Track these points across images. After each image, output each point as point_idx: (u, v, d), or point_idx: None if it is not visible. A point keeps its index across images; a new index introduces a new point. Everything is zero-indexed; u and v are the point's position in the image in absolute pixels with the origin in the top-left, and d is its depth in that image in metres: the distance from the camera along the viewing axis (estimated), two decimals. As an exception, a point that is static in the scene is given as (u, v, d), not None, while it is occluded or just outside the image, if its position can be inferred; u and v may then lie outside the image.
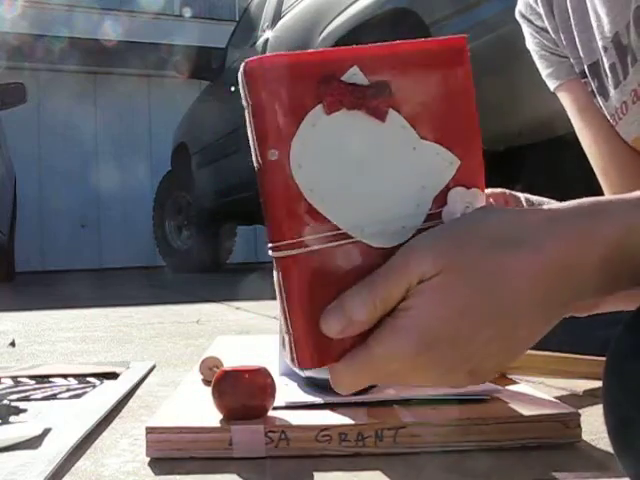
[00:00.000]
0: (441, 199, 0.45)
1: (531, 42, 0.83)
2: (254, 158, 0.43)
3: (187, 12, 8.94)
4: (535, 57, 0.83)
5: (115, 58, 8.23)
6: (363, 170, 0.43)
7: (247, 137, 0.45)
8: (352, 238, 0.43)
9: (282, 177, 0.42)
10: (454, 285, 0.41)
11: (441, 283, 0.41)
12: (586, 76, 0.74)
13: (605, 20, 0.67)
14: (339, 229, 0.42)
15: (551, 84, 0.81)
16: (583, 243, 0.42)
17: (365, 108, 0.43)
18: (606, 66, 0.69)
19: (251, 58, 0.42)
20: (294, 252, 0.42)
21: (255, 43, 4.14)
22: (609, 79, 0.70)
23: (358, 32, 2.79)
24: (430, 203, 0.45)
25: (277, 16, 3.89)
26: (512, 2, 2.10)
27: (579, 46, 0.73)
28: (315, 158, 0.42)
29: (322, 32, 3.09)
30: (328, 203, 0.42)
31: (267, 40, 3.90)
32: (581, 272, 0.43)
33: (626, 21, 0.65)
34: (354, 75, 0.42)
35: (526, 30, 0.83)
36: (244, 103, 0.43)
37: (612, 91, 0.70)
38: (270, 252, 0.43)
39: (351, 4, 2.84)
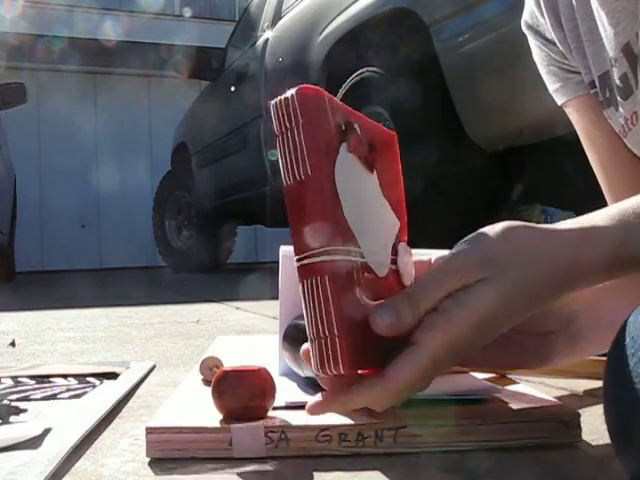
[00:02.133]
0: (395, 248, 0.56)
1: (537, 55, 0.82)
2: (293, 171, 0.46)
3: (187, 12, 8.95)
4: (542, 71, 0.82)
5: (115, 58, 8.23)
6: (367, 203, 0.52)
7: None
8: (364, 259, 0.49)
9: (329, 187, 0.45)
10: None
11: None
12: (596, 86, 0.73)
13: (614, 31, 0.66)
14: (358, 248, 0.48)
15: (558, 99, 0.81)
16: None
17: (364, 158, 0.51)
18: (616, 77, 0.69)
19: (304, 86, 0.47)
20: (330, 258, 0.45)
21: (255, 43, 4.14)
22: (620, 89, 0.69)
23: (358, 32, 2.79)
24: (390, 248, 0.55)
25: (277, 16, 3.89)
26: (512, 2, 2.12)
27: (589, 57, 0.72)
28: (345, 183, 0.47)
29: (322, 32, 3.09)
30: (355, 223, 0.48)
31: (267, 40, 3.90)
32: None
33: (636, 30, 0.64)
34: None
35: (532, 42, 0.82)
36: (286, 124, 0.46)
37: (623, 102, 0.69)
38: (303, 260, 0.45)
39: (351, 4, 2.84)
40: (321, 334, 0.45)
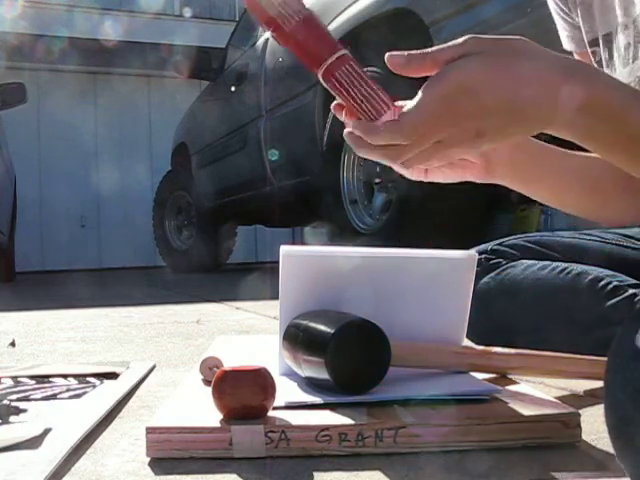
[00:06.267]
0: None
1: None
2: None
3: (187, 12, 8.95)
4: (555, 16, 0.84)
5: (115, 58, 8.23)
6: None
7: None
8: None
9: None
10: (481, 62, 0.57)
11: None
12: (597, 44, 0.74)
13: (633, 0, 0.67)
14: None
15: (567, 46, 0.83)
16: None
17: None
18: (621, 43, 0.69)
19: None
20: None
21: (255, 43, 4.14)
22: (620, 57, 0.70)
23: (358, 32, 2.79)
24: None
25: (277, 16, 3.89)
26: (512, 2, 2.12)
27: (596, 13, 0.73)
28: None
29: (322, 32, 3.09)
30: None
31: (267, 40, 3.90)
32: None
33: None
34: None
35: None
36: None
37: (620, 69, 0.70)
38: (331, 59, 0.66)
39: (351, 4, 2.84)
40: (365, 94, 0.64)
